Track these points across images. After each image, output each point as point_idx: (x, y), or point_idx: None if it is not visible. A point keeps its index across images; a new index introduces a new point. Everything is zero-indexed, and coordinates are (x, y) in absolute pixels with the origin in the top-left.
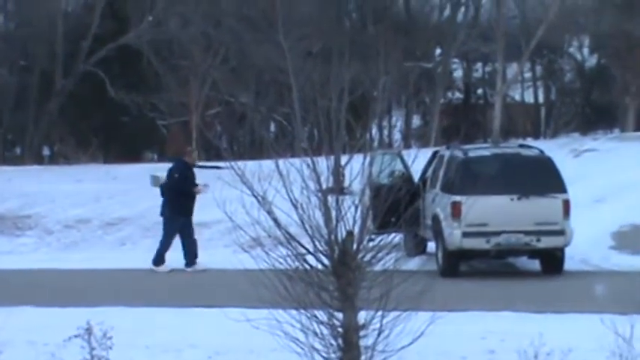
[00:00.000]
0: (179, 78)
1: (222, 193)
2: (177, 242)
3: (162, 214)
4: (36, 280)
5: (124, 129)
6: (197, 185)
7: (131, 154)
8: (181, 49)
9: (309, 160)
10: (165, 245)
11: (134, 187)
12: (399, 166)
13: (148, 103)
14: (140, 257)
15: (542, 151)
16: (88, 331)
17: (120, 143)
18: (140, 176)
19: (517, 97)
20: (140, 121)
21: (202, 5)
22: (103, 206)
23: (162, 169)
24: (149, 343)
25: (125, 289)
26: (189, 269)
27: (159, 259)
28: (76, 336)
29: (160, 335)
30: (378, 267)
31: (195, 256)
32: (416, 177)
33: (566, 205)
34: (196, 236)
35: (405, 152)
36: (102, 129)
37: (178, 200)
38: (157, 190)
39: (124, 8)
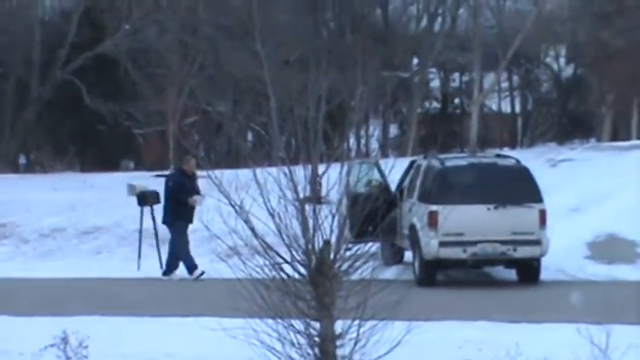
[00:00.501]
0: (156, 86)
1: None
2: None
3: (164, 221)
4: (11, 289)
5: (101, 138)
6: (197, 194)
7: (107, 163)
8: (158, 57)
9: (286, 169)
10: (182, 251)
11: (110, 196)
12: (376, 176)
13: (125, 112)
14: (116, 266)
15: (518, 161)
16: (64, 340)
17: (96, 152)
18: (117, 185)
19: (494, 107)
20: (116, 129)
21: (179, 14)
22: (78, 215)
23: (138, 177)
24: (125, 353)
25: (101, 298)
26: (165, 277)
27: (190, 268)
28: (51, 345)
29: (136, 344)
30: (355, 276)
31: (176, 266)
32: (393, 186)
33: (543, 214)
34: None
35: (382, 161)
36: (78, 137)
37: (173, 208)
38: (134, 199)
39: (100, 17)
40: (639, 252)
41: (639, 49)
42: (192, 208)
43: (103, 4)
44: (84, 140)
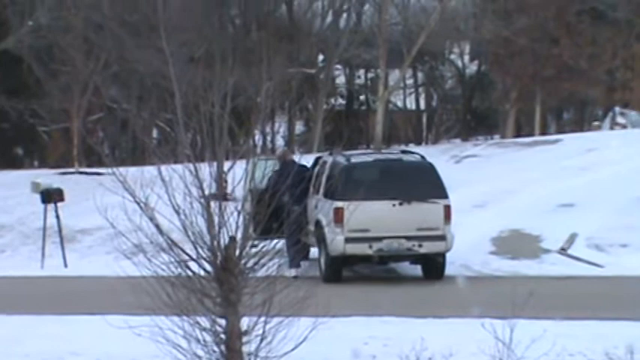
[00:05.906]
0: (60, 84)
1: (104, 199)
2: None
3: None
4: None
5: (4, 135)
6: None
7: (11, 161)
8: (62, 54)
9: (191, 166)
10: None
11: (14, 194)
12: None
13: (29, 109)
14: (20, 264)
15: (423, 157)
16: None
17: None
18: (20, 183)
19: (399, 104)
20: (20, 127)
21: (83, 10)
22: None
23: (42, 175)
24: (29, 352)
25: (4, 297)
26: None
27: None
28: None
29: (40, 343)
30: (260, 273)
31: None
32: None
33: (448, 210)
34: (91, 243)
35: None
36: None
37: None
38: (37, 197)
39: (3, 12)
40: (543, 247)
41: (541, 46)
42: None
43: (5, 0)
44: None
